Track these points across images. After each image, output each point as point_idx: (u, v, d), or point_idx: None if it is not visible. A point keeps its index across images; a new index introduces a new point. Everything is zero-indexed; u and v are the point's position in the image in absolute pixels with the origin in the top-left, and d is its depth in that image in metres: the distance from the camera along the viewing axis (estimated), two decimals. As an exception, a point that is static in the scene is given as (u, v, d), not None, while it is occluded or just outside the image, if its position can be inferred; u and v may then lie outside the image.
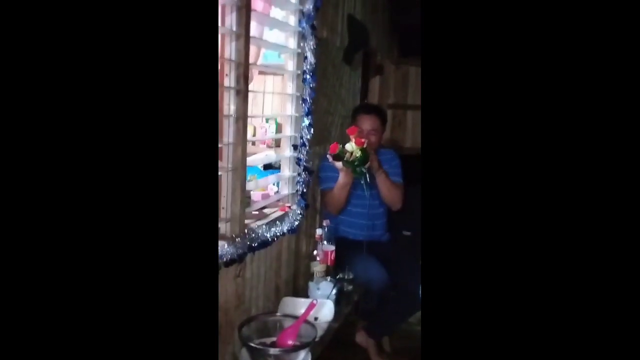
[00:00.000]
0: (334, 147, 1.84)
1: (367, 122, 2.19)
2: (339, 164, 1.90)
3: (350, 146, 1.84)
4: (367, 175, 1.95)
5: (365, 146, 1.86)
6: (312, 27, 1.88)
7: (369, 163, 1.90)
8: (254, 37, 1.54)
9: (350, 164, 1.86)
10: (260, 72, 2.31)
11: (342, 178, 2.04)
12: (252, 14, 1.49)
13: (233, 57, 1.44)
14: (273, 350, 1.38)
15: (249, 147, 2.09)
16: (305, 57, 1.89)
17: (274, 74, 2.54)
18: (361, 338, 2.23)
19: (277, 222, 1.76)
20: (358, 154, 1.83)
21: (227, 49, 1.44)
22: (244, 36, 1.44)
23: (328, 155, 1.89)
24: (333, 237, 2.01)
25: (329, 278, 1.87)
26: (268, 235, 1.67)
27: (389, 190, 2.17)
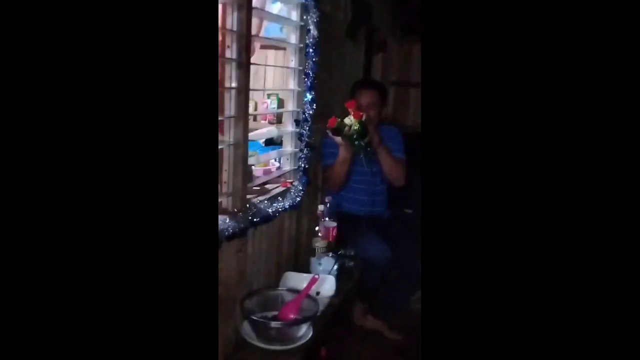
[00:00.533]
0: (332, 121, 1.84)
1: (366, 97, 2.17)
2: (338, 138, 1.89)
3: (349, 119, 1.84)
4: (367, 149, 1.94)
5: (363, 119, 1.85)
6: (315, 0, 1.84)
7: (368, 137, 1.90)
8: (256, 8, 1.51)
9: (349, 138, 1.86)
10: (262, 46, 2.27)
11: (342, 153, 2.03)
12: (254, -16, 1.45)
13: (234, 28, 1.41)
14: (275, 324, 1.39)
15: (251, 123, 2.07)
16: (308, 30, 1.85)
17: (276, 48, 2.50)
18: (370, 322, 2.24)
19: (279, 197, 1.75)
20: (356, 127, 1.83)
21: (229, 19, 1.40)
22: (245, 7, 1.41)
23: (328, 130, 1.88)
24: (335, 213, 2.01)
25: (330, 254, 1.88)
26: (270, 211, 1.66)
27: (391, 166, 2.16)
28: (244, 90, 1.46)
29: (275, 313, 1.48)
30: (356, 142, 1.88)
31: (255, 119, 2.53)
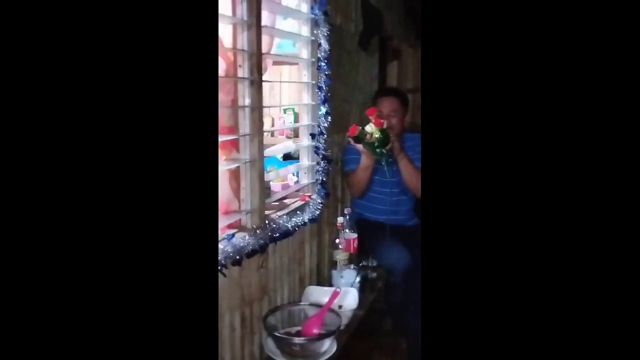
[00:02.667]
0: (354, 129, 1.84)
1: (387, 104, 2.17)
2: (359, 146, 1.89)
3: (370, 127, 1.83)
4: (389, 158, 1.93)
5: (384, 127, 1.85)
6: (325, 14, 1.85)
7: (390, 144, 1.89)
8: (266, 26, 1.53)
9: (370, 146, 1.85)
10: (275, 63, 2.29)
11: (364, 160, 2.03)
12: (263, 3, 1.47)
13: (245, 48, 1.43)
14: (298, 340, 1.38)
15: (269, 139, 2.09)
16: (320, 45, 1.86)
17: (289, 63, 2.53)
18: None
19: (298, 211, 1.76)
20: (377, 134, 1.82)
21: (239, 39, 1.43)
22: (255, 25, 1.43)
23: (348, 138, 1.89)
24: (355, 223, 2.00)
25: (352, 266, 1.87)
26: (289, 225, 1.67)
27: (411, 175, 2.13)
28: (257, 108, 1.48)
29: (299, 328, 1.47)
30: (377, 150, 1.87)
31: (272, 135, 2.55)
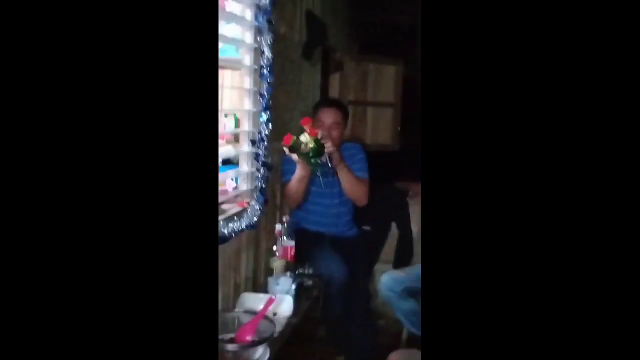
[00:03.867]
0: (288, 139, 1.83)
1: (329, 116, 2.18)
2: (294, 156, 1.88)
3: (304, 137, 1.82)
4: (324, 168, 1.94)
5: (319, 137, 1.85)
6: (269, 22, 1.87)
7: (324, 155, 1.89)
8: (209, 31, 1.52)
9: (305, 156, 1.84)
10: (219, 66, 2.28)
11: (299, 170, 2.02)
12: (206, 7, 1.46)
13: (187, 50, 1.41)
14: (231, 346, 1.37)
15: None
16: (263, 52, 1.87)
17: (232, 68, 2.51)
18: None
19: (235, 217, 1.75)
20: (312, 144, 1.82)
21: (181, 42, 1.41)
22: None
23: (284, 147, 1.88)
24: (293, 232, 2.01)
25: (288, 273, 1.87)
26: (226, 231, 1.65)
27: (352, 185, 2.16)
28: (197, 112, 1.46)
29: (232, 335, 1.46)
30: (312, 160, 1.87)
31: (212, 139, 2.51)
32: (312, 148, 1.82)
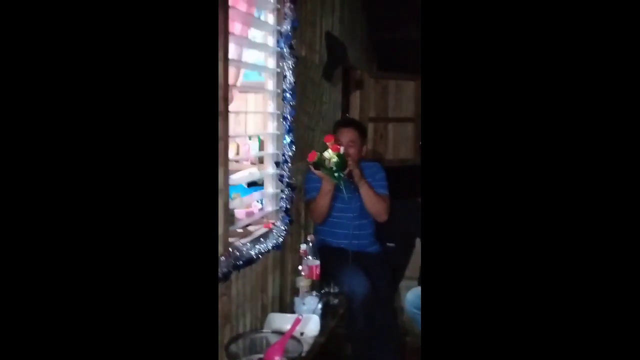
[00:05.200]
0: (312, 155, 1.95)
1: (345, 135, 2.28)
2: (318, 172, 1.98)
3: (328, 153, 1.94)
4: (347, 181, 2.04)
5: (341, 152, 1.96)
6: (290, 47, 1.92)
7: (347, 169, 2.00)
8: (233, 60, 1.58)
9: (329, 170, 1.95)
10: (242, 91, 2.34)
11: (324, 186, 2.11)
12: (230, 37, 1.52)
13: (213, 80, 1.46)
14: (260, 367, 1.39)
15: (234, 165, 2.11)
16: (285, 76, 1.93)
17: (256, 91, 2.57)
18: None
19: (262, 239, 1.78)
20: (335, 159, 1.93)
21: (207, 72, 1.46)
22: (222, 59, 1.47)
23: (309, 164, 1.97)
24: (318, 250, 2.04)
25: (314, 293, 1.90)
26: (253, 253, 1.69)
27: (372, 201, 2.22)
28: (224, 138, 1.51)
29: (261, 356, 1.48)
30: (335, 175, 1.97)
31: (237, 160, 2.57)
32: (335, 162, 1.94)
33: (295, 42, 1.98)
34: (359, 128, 2.39)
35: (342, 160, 1.96)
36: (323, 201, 2.17)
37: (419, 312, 2.28)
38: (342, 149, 1.98)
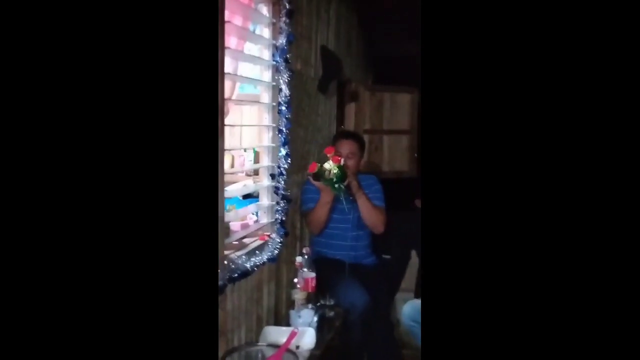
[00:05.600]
0: (313, 167, 1.96)
1: (345, 147, 2.29)
2: (318, 183, 1.99)
3: (328, 164, 1.95)
4: (347, 192, 2.05)
5: (342, 163, 1.97)
6: (286, 61, 1.94)
7: (347, 180, 2.00)
8: (228, 74, 1.59)
9: (329, 182, 1.96)
10: (237, 103, 2.35)
11: (323, 197, 2.12)
12: (226, 51, 1.54)
13: (208, 93, 1.47)
14: (255, 381, 1.39)
15: (229, 177, 2.12)
16: (280, 90, 1.94)
17: (251, 104, 2.59)
18: None
19: (257, 251, 1.78)
20: (335, 170, 1.94)
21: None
22: (218, 73, 1.49)
23: (308, 176, 1.97)
24: (313, 262, 2.04)
25: (310, 305, 1.89)
26: (248, 265, 1.69)
27: (370, 213, 2.23)
28: (219, 150, 1.51)
29: (256, 369, 1.48)
30: (336, 186, 1.98)
31: (232, 172, 2.58)
32: (335, 174, 1.95)
33: (291, 56, 2.00)
34: (359, 141, 2.41)
35: (343, 171, 1.97)
36: (321, 212, 2.18)
37: (416, 325, 2.27)
38: (342, 161, 2.00)
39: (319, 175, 1.96)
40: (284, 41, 1.92)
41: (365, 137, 3.62)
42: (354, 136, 2.46)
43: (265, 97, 1.95)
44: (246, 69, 2.04)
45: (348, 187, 2.08)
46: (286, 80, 1.94)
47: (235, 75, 1.71)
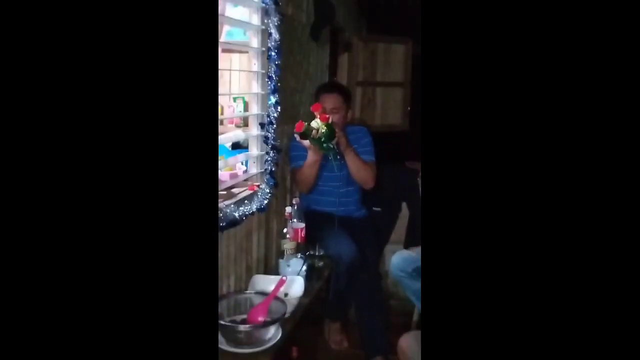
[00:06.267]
0: (300, 126, 1.84)
1: (329, 101, 2.19)
2: (306, 142, 1.90)
3: (316, 123, 1.84)
4: (336, 152, 1.97)
5: (330, 122, 1.87)
6: (276, 3, 1.85)
7: (336, 139, 1.91)
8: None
9: (317, 141, 1.86)
10: (225, 50, 2.26)
11: (311, 156, 2.04)
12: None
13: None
14: (243, 327, 1.39)
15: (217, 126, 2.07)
16: (270, 34, 1.86)
17: (240, 51, 2.50)
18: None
19: (246, 201, 1.76)
20: (323, 129, 1.84)
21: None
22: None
23: (295, 134, 1.89)
24: (303, 213, 2.03)
25: (299, 255, 1.89)
26: (237, 215, 1.67)
27: (359, 169, 2.18)
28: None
29: (244, 316, 1.48)
30: (324, 145, 1.89)
31: (222, 123, 2.51)
32: (323, 133, 1.84)
33: (281, -1, 1.91)
34: (343, 93, 2.28)
35: (331, 130, 1.86)
36: (310, 171, 2.11)
37: (404, 275, 2.30)
38: (330, 119, 1.88)
39: (306, 134, 1.85)
40: (274, -18, 1.82)
41: (358, 90, 3.56)
42: (338, 88, 2.33)
43: (254, 41, 1.87)
44: (235, 13, 1.95)
45: (337, 145, 1.99)
46: (276, 24, 1.86)
47: (222, 16, 1.63)
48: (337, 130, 1.94)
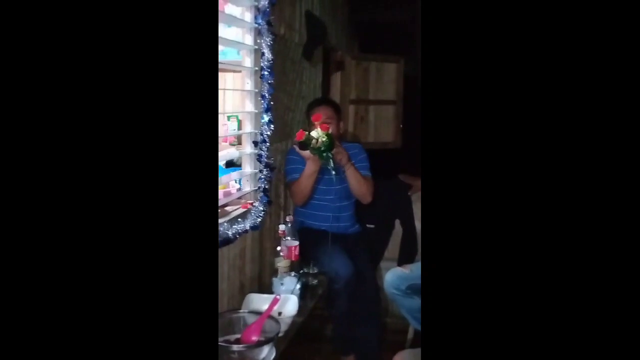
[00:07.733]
0: (300, 135, 1.88)
1: (322, 113, 2.22)
2: (306, 153, 1.93)
3: (316, 132, 1.88)
4: (333, 161, 1.99)
5: (330, 131, 1.91)
6: (268, 23, 1.88)
7: (335, 149, 1.95)
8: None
9: (317, 150, 1.90)
10: (220, 70, 2.29)
11: (309, 166, 2.07)
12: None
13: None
14: (237, 347, 1.38)
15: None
16: (263, 54, 1.89)
17: (234, 71, 2.52)
18: None
19: (239, 219, 1.76)
20: (324, 138, 1.87)
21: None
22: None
23: (294, 146, 1.92)
24: (297, 231, 2.03)
25: (292, 273, 1.89)
26: (230, 233, 1.67)
27: (359, 183, 2.21)
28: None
29: (238, 336, 1.47)
30: (324, 155, 1.92)
31: (215, 141, 2.53)
32: (323, 142, 1.87)
33: (274, 19, 1.93)
34: (334, 105, 2.36)
35: (331, 139, 1.91)
36: (307, 182, 2.13)
37: (398, 293, 2.29)
38: (330, 128, 1.93)
39: (307, 143, 1.89)
40: (266, 3, 1.85)
41: (351, 107, 3.59)
42: (328, 102, 2.43)
43: (247, 61, 1.89)
44: (228, 33, 1.98)
45: (338, 161, 2.04)
46: (269, 44, 1.88)
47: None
48: (337, 142, 1.98)
